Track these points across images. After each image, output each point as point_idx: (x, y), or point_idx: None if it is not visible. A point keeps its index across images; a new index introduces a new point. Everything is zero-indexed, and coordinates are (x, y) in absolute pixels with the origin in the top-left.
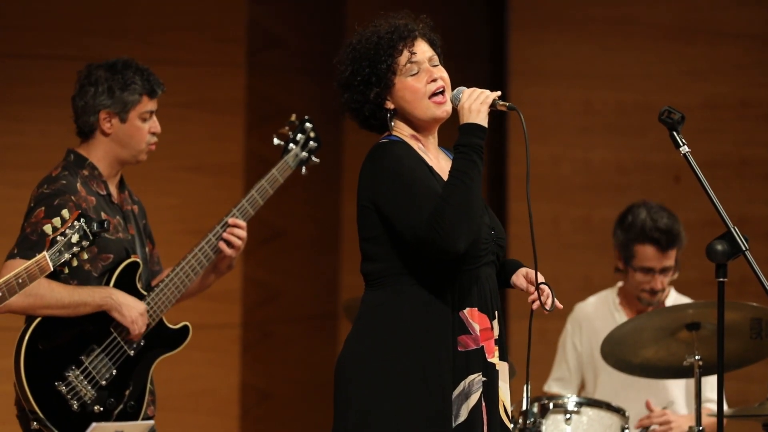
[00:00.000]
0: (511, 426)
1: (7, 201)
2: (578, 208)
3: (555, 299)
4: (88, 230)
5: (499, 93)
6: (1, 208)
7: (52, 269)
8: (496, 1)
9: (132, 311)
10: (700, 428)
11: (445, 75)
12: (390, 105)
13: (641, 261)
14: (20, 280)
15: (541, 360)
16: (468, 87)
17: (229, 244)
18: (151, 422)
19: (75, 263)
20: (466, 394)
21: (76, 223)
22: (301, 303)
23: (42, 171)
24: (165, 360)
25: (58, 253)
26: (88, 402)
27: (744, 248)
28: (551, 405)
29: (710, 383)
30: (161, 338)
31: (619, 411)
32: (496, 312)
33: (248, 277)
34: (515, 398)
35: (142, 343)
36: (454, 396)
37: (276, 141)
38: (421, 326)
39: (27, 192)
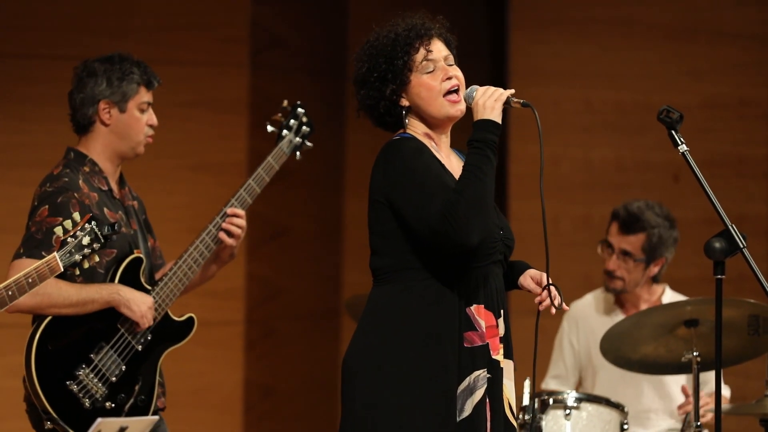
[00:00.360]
0: (515, 424)
1: (13, 199)
2: (578, 207)
3: (562, 301)
4: (99, 233)
5: (513, 91)
6: (8, 207)
7: (62, 270)
8: (496, 1)
9: (141, 306)
10: (698, 424)
11: (460, 74)
12: (405, 102)
13: (606, 235)
14: (30, 280)
15: (540, 357)
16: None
17: (229, 233)
18: (156, 417)
19: (86, 265)
20: (470, 390)
21: (87, 225)
22: (304, 300)
23: (48, 170)
24: (169, 356)
25: (68, 254)
26: (100, 399)
27: (742, 246)
28: (551, 400)
29: (709, 379)
30: (167, 331)
31: (618, 407)
32: (502, 311)
33: (252, 275)
34: (515, 395)
35: (149, 338)
36: (458, 391)
37: (269, 128)
38: (428, 321)
39: (33, 190)
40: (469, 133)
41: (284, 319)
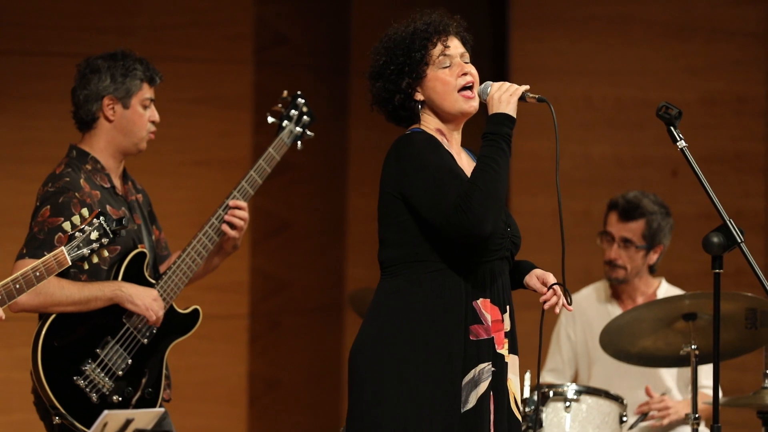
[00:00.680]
0: (520, 418)
1: (21, 195)
2: (578, 202)
3: (565, 299)
4: (107, 228)
5: (528, 87)
6: (16, 202)
7: (70, 263)
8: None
9: (144, 299)
10: (696, 416)
11: (475, 72)
12: (419, 96)
13: (605, 226)
14: (38, 273)
15: (537, 350)
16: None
17: (232, 225)
18: (162, 410)
19: (95, 259)
20: (475, 382)
21: (95, 220)
22: (308, 294)
23: (54, 165)
24: (174, 350)
25: (76, 249)
26: (107, 393)
27: (739, 240)
28: (551, 393)
29: (706, 371)
30: (173, 324)
31: (617, 399)
32: (508, 306)
33: (256, 269)
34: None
35: (154, 331)
36: (463, 383)
37: (270, 119)
38: (435, 313)
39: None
40: (480, 133)
41: (288, 312)
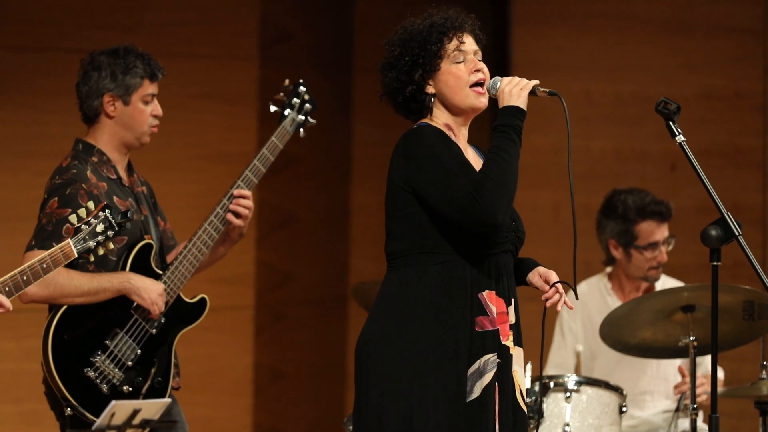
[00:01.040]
0: (526, 409)
1: (31, 188)
2: (578, 196)
3: (574, 293)
4: (113, 220)
5: (537, 81)
6: (26, 195)
7: (76, 255)
8: None
9: (151, 293)
10: (695, 406)
11: (487, 71)
12: (431, 89)
13: (646, 238)
14: (44, 265)
15: (539, 341)
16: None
17: (236, 214)
18: (169, 400)
19: (101, 251)
20: (480, 373)
21: (101, 213)
22: (312, 287)
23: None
24: (181, 340)
25: (82, 241)
26: (117, 384)
27: (737, 233)
28: (552, 384)
29: (705, 363)
30: (180, 313)
31: (617, 389)
32: (513, 299)
33: (261, 262)
34: None
35: (162, 321)
36: (468, 373)
37: (272, 108)
38: (441, 304)
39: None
40: (485, 129)
41: (293, 304)
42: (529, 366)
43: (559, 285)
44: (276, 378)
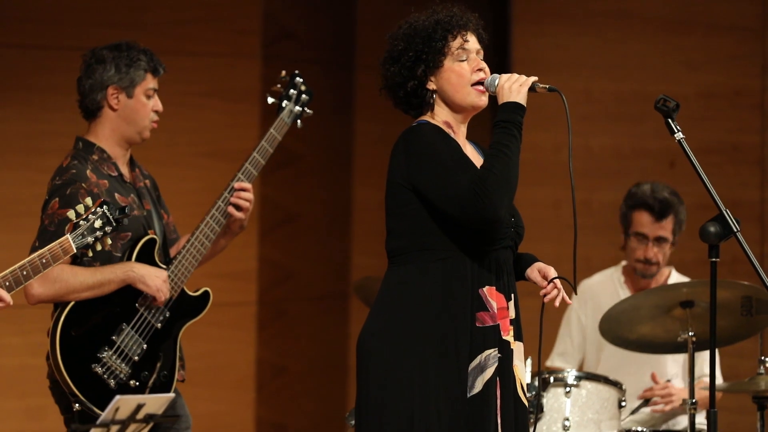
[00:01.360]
0: (527, 404)
1: (34, 185)
2: (578, 193)
3: (573, 289)
4: (110, 216)
5: (536, 78)
6: (30, 192)
7: (75, 251)
8: None
9: (155, 280)
10: (693, 401)
11: (488, 70)
12: (432, 86)
13: (636, 227)
14: (44, 260)
15: (544, 335)
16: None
17: (237, 207)
18: (173, 395)
19: (99, 247)
20: (481, 368)
21: (99, 209)
22: (314, 283)
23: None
24: (184, 336)
25: (81, 236)
26: (124, 378)
27: (735, 230)
28: (552, 379)
29: (705, 358)
30: (184, 307)
31: (616, 384)
32: (513, 294)
33: (264, 258)
34: None
35: (167, 315)
36: (470, 369)
37: (270, 99)
38: (442, 300)
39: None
40: (484, 127)
41: (295, 300)
42: (529, 361)
43: (557, 281)
44: (278, 373)
